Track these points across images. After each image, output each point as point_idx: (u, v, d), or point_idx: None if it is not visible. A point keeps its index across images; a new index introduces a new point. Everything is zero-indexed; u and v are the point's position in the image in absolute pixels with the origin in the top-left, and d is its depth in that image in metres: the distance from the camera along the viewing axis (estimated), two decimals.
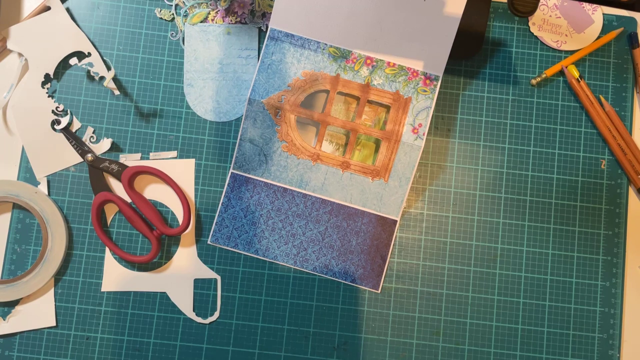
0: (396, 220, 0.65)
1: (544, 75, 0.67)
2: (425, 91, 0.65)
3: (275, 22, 0.64)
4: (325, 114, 0.64)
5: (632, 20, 0.68)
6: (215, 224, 0.64)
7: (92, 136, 0.65)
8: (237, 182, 0.64)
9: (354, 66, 0.65)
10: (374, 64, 0.65)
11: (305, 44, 0.64)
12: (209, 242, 0.64)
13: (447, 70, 0.67)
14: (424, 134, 0.64)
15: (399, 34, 0.64)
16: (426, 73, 0.65)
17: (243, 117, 0.64)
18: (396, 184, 0.64)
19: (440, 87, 0.67)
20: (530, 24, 0.68)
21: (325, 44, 0.64)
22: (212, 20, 0.66)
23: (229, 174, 0.65)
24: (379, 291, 0.64)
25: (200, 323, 0.63)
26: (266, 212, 0.64)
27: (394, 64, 0.65)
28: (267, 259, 0.64)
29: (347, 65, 0.65)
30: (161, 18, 0.67)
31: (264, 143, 0.64)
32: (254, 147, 0.64)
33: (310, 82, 0.64)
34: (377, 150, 0.65)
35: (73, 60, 0.64)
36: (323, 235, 0.64)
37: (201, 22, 0.66)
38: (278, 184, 0.64)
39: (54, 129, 0.65)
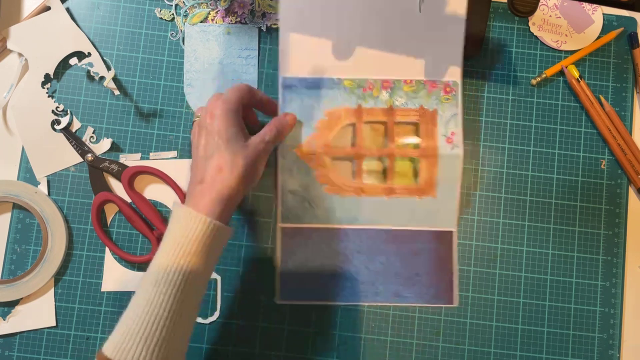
0: (452, 231, 0.64)
1: (544, 75, 0.67)
2: (448, 99, 0.64)
3: (285, 70, 0.63)
4: (358, 147, 0.64)
5: (632, 20, 0.68)
6: (280, 283, 0.63)
7: (92, 136, 0.65)
8: (289, 236, 0.64)
9: (373, 92, 0.64)
10: (392, 85, 0.64)
11: (320, 84, 0.64)
12: (278, 302, 0.63)
13: None
14: (460, 142, 0.64)
15: (408, 51, 0.64)
16: (444, 81, 0.64)
17: (279, 171, 0.63)
18: (445, 196, 0.64)
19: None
20: (530, 24, 0.68)
21: (340, 78, 0.64)
22: (212, 20, 0.66)
23: (278, 229, 0.64)
24: (456, 304, 0.64)
25: (200, 323, 0.63)
26: (325, 257, 0.64)
27: (411, 81, 0.64)
28: (339, 303, 0.64)
29: (365, 94, 0.64)
30: (161, 18, 0.67)
31: (305, 191, 0.63)
32: (297, 197, 0.63)
33: (335, 120, 0.64)
34: (416, 168, 0.64)
35: (73, 60, 0.64)
36: (386, 264, 0.64)
37: (201, 22, 0.66)
38: (329, 226, 0.64)
39: (54, 129, 0.65)
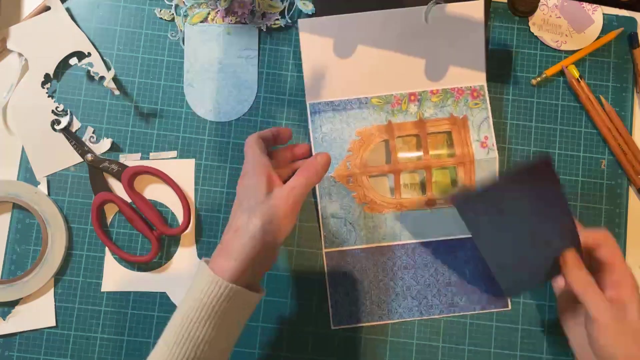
0: None
1: (544, 75, 0.67)
2: (477, 104, 0.64)
3: (311, 96, 0.64)
4: (394, 163, 0.64)
5: (632, 20, 0.68)
6: (331, 308, 0.63)
7: (92, 136, 0.65)
8: (334, 260, 0.63)
9: (401, 107, 0.64)
10: (419, 97, 0.64)
11: (348, 105, 0.64)
12: (332, 327, 0.63)
13: None
14: (493, 145, 0.64)
15: (430, 61, 0.64)
16: (470, 86, 0.64)
17: (318, 197, 0.63)
18: None
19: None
20: (530, 24, 0.68)
21: (366, 97, 0.64)
22: (212, 20, 0.66)
23: (323, 254, 0.64)
24: (509, 308, 0.64)
25: None
26: (373, 277, 0.63)
27: (437, 90, 0.64)
28: (393, 321, 0.63)
29: (394, 109, 0.64)
30: (161, 18, 0.67)
31: (346, 213, 0.63)
32: (338, 220, 0.63)
33: (367, 139, 0.64)
34: (454, 177, 0.64)
35: (73, 60, 0.64)
36: (436, 276, 0.63)
37: (201, 22, 0.66)
38: (374, 245, 0.64)
39: (54, 129, 0.65)
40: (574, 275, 0.53)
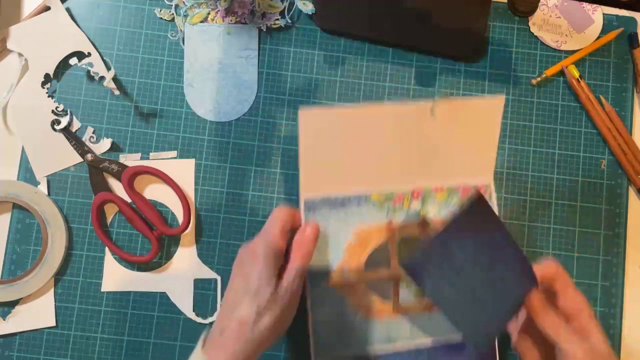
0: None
1: (544, 75, 0.67)
2: None
3: (307, 190, 0.58)
4: (393, 269, 0.58)
5: (632, 20, 0.68)
6: None
7: (92, 136, 0.65)
8: None
9: (403, 204, 0.59)
10: (422, 195, 0.59)
11: (346, 202, 0.58)
12: None
13: (447, 71, 0.67)
14: None
15: (437, 156, 0.59)
16: (477, 185, 0.60)
17: (309, 305, 0.58)
18: None
19: (439, 88, 0.67)
20: (530, 24, 0.68)
21: (367, 195, 0.59)
22: (212, 20, 0.66)
23: None
24: None
25: (200, 323, 0.63)
26: None
27: (442, 188, 0.60)
28: None
29: (396, 207, 0.59)
30: (161, 18, 0.67)
31: (338, 319, 0.58)
32: (329, 327, 0.58)
33: (365, 242, 0.58)
34: None
35: (73, 60, 0.64)
36: None
37: (201, 22, 0.66)
38: (367, 353, 0.58)
39: (54, 129, 0.65)
40: (544, 319, 0.52)
